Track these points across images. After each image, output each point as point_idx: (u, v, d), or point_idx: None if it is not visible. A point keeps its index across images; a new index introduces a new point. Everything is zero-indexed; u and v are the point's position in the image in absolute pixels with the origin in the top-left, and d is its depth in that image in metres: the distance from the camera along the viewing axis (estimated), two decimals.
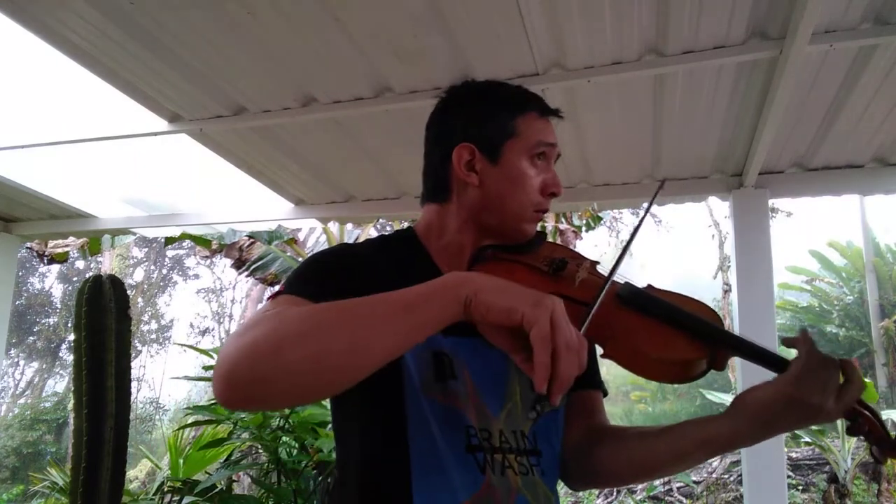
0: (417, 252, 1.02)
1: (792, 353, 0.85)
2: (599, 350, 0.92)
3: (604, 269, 0.99)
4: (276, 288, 0.91)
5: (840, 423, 6.08)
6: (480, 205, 1.00)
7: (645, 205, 1.11)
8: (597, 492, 8.00)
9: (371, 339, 0.70)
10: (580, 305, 0.87)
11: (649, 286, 0.97)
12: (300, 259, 5.49)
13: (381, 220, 4.56)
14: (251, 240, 5.07)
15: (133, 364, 2.79)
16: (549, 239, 1.13)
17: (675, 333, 0.87)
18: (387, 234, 1.08)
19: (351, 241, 5.46)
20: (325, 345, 0.69)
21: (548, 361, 0.67)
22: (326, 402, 2.34)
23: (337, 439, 0.99)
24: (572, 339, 0.69)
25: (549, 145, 1.02)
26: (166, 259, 20.69)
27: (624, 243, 0.98)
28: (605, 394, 1.09)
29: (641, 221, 1.02)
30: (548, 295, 0.72)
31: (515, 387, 0.95)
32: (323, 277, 0.89)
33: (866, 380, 5.85)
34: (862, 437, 0.84)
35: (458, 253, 1.01)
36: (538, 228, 1.06)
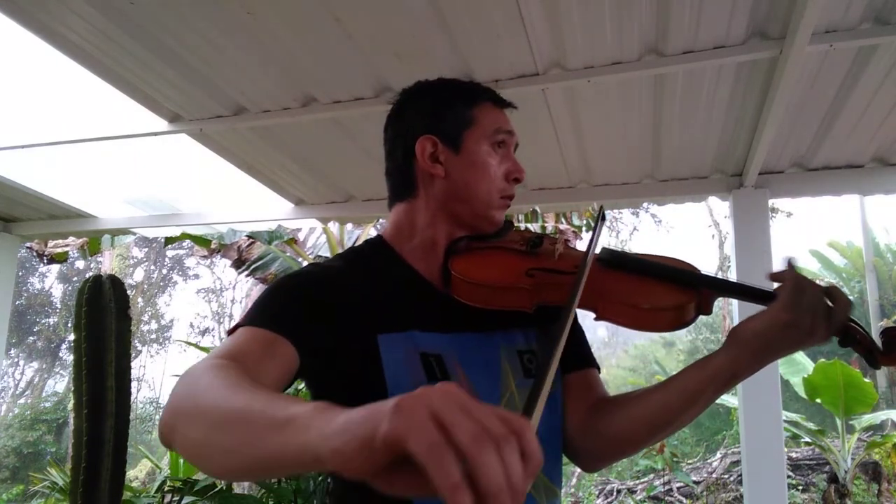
0: (389, 258, 1.01)
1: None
2: (591, 315, 0.93)
3: (573, 244, 1.03)
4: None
5: (840, 424, 6.08)
6: (449, 195, 1.00)
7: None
8: (596, 492, 8.00)
9: (238, 447, 0.59)
10: (566, 275, 0.93)
11: (623, 251, 1.02)
12: (300, 259, 5.50)
13: (381, 220, 4.56)
14: (250, 240, 5.07)
15: (133, 364, 2.79)
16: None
17: (660, 283, 0.94)
18: (356, 245, 1.08)
19: (351, 241, 5.48)
20: (204, 438, 0.63)
21: (456, 479, 0.39)
22: None
23: None
24: (488, 426, 0.42)
25: (507, 133, 1.03)
26: (166, 259, 20.69)
27: (594, 229, 1.01)
28: (599, 369, 1.09)
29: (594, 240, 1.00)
30: (425, 391, 0.45)
31: (509, 378, 0.95)
32: (281, 306, 0.87)
33: (866, 380, 5.87)
34: (854, 348, 0.89)
35: (431, 248, 1.01)
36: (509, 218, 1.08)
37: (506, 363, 0.96)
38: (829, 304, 0.85)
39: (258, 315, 0.85)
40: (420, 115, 1.03)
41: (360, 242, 1.10)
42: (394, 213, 1.06)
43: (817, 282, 0.87)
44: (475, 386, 0.91)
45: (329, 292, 0.91)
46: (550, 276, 0.95)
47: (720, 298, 1.01)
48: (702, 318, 0.97)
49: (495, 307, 0.94)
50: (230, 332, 0.84)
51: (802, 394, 6.42)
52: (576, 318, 1.08)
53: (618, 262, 0.98)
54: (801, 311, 0.84)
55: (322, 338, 0.86)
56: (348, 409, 0.50)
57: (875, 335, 0.88)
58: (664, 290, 0.93)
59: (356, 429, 0.46)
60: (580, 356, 1.06)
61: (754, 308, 0.91)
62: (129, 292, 2.97)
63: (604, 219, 1.06)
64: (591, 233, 1.02)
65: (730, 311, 12.46)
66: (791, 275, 0.87)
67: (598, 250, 0.99)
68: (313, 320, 0.87)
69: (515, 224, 1.18)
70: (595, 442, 1.00)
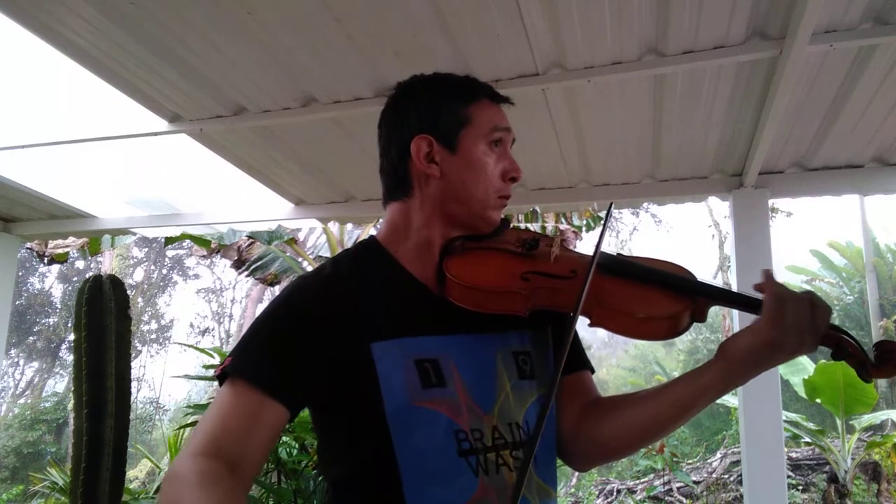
0: (384, 261, 1.00)
1: None
2: (586, 321, 0.93)
3: (571, 245, 1.01)
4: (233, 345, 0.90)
5: (840, 424, 6.08)
6: (444, 195, 0.99)
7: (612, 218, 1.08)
8: (596, 492, 8.00)
9: None
10: (561, 280, 0.92)
11: (620, 254, 1.01)
12: (300, 259, 5.49)
13: (381, 220, 4.56)
14: (250, 240, 5.07)
15: (133, 364, 2.79)
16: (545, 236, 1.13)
17: (656, 291, 0.93)
18: (349, 248, 1.07)
19: (351, 241, 5.48)
20: None
21: None
22: None
23: (322, 456, 0.98)
24: None
25: (504, 130, 1.02)
26: (166, 259, 20.69)
27: (601, 230, 0.99)
28: (593, 371, 1.10)
29: (602, 237, 1.00)
30: None
31: (504, 379, 0.95)
32: (269, 353, 0.87)
33: None
34: (847, 361, 0.88)
35: (426, 249, 1.00)
36: (505, 216, 1.07)
37: (501, 364, 0.95)
38: (811, 313, 0.84)
39: (247, 363, 0.86)
40: (415, 114, 1.01)
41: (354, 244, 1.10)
42: (389, 213, 1.05)
43: (797, 290, 0.86)
44: (470, 388, 0.91)
45: (321, 309, 0.91)
46: (546, 280, 0.94)
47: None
48: None
49: (489, 311, 0.93)
50: (219, 374, 0.86)
51: (802, 394, 6.43)
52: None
53: (614, 267, 0.97)
54: (786, 327, 0.83)
55: (317, 364, 0.87)
56: None
57: (868, 347, 0.88)
58: (660, 299, 0.92)
59: None
60: (575, 359, 1.05)
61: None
62: (129, 292, 2.97)
63: (610, 216, 1.05)
64: (600, 228, 1.00)
65: (730, 312, 12.46)
66: (772, 287, 0.86)
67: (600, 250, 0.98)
68: (305, 354, 0.87)
69: (514, 224, 1.17)
70: (586, 445, 1.00)
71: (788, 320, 0.84)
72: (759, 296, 0.89)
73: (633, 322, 0.91)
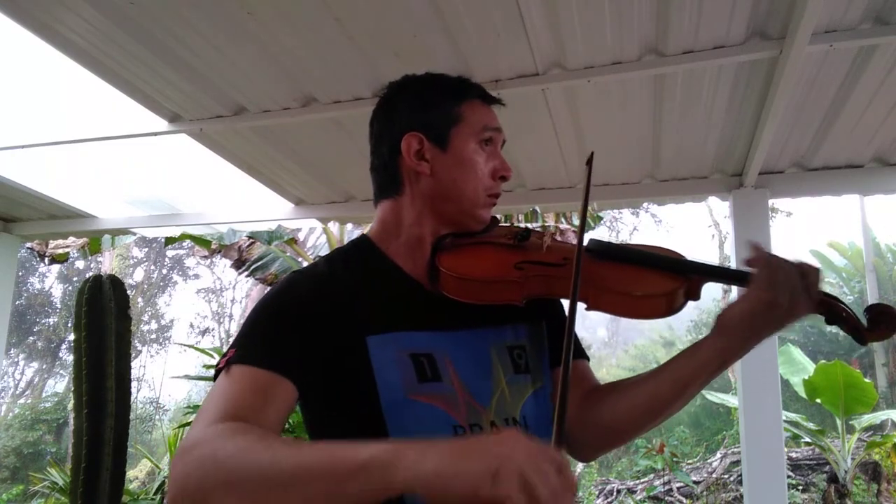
0: (376, 258, 1.00)
1: None
2: (582, 305, 0.93)
3: (561, 236, 1.02)
4: (229, 350, 0.88)
5: (840, 424, 6.08)
6: (435, 193, 0.99)
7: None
8: (596, 492, 8.00)
9: (311, 501, 0.66)
10: (554, 267, 0.94)
11: (611, 241, 1.03)
12: (300, 259, 5.49)
13: None
14: (251, 240, 5.07)
15: (133, 364, 2.79)
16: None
17: (649, 272, 0.95)
18: (342, 247, 1.06)
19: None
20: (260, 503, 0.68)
21: None
22: None
23: None
24: (557, 488, 0.60)
25: (494, 130, 1.02)
26: (166, 259, 20.69)
27: (581, 208, 1.01)
28: (588, 359, 1.11)
29: (587, 191, 1.03)
30: (506, 451, 0.61)
31: (500, 374, 0.95)
32: (273, 337, 0.87)
33: (866, 380, 5.87)
34: (840, 326, 0.91)
35: (417, 246, 1.00)
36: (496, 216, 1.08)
37: (496, 359, 0.96)
38: (801, 272, 0.87)
39: (251, 350, 0.85)
40: (407, 112, 1.02)
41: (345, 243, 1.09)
42: (380, 211, 1.05)
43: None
44: (467, 384, 0.91)
45: (316, 303, 0.90)
46: (539, 268, 0.95)
47: (718, 295, 1.01)
48: (702, 317, 0.97)
49: (485, 302, 0.94)
50: (221, 367, 0.84)
51: (802, 394, 6.43)
52: (562, 312, 1.09)
53: (607, 252, 0.99)
54: (779, 288, 0.85)
55: (315, 356, 0.87)
56: (424, 449, 0.64)
57: (860, 313, 0.90)
58: (654, 278, 0.94)
59: (464, 478, 0.61)
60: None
61: None
62: (129, 292, 2.97)
63: (590, 163, 1.04)
64: (585, 183, 1.02)
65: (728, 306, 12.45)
66: (762, 255, 0.89)
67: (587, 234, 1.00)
68: (305, 344, 0.87)
69: (513, 224, 1.18)
70: (588, 432, 1.00)
71: (779, 279, 0.85)
72: (751, 270, 0.91)
73: (629, 301, 0.92)
